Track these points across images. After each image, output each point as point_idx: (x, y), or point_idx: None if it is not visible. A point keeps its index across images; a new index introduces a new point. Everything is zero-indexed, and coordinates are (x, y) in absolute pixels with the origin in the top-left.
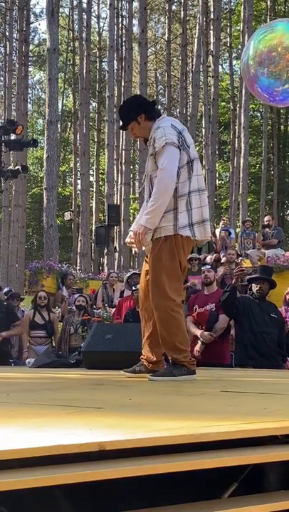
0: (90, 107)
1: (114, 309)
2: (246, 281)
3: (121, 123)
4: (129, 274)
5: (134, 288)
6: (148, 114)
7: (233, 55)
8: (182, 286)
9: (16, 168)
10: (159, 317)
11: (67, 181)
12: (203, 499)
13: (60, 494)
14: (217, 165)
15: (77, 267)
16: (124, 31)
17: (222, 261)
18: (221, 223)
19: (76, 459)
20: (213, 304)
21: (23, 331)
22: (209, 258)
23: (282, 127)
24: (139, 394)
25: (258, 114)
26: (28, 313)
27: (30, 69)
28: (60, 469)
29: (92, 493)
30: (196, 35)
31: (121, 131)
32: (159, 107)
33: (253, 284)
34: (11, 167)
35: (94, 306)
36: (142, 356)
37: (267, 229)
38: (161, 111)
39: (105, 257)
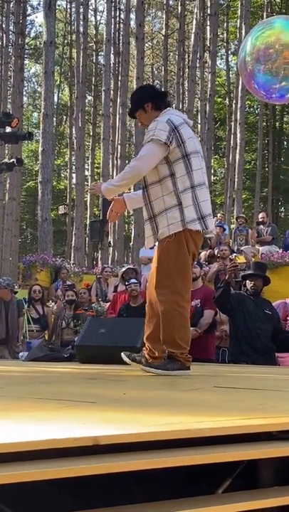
0: (86, 100)
1: (108, 304)
2: (240, 277)
3: (130, 110)
4: (124, 269)
5: (127, 283)
6: (155, 103)
7: (230, 50)
8: (191, 281)
9: (11, 161)
10: (164, 311)
11: (62, 175)
12: (197, 494)
13: (54, 489)
14: (212, 161)
15: (71, 261)
16: (121, 25)
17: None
18: (215, 219)
19: (70, 453)
20: (199, 300)
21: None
22: (203, 254)
23: (277, 124)
24: (133, 389)
25: (254, 111)
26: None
27: (26, 62)
28: (55, 463)
29: (83, 487)
30: (193, 31)
31: (117, 125)
32: None
33: (247, 281)
34: (6, 160)
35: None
36: (144, 349)
37: (261, 226)
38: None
39: (99, 251)
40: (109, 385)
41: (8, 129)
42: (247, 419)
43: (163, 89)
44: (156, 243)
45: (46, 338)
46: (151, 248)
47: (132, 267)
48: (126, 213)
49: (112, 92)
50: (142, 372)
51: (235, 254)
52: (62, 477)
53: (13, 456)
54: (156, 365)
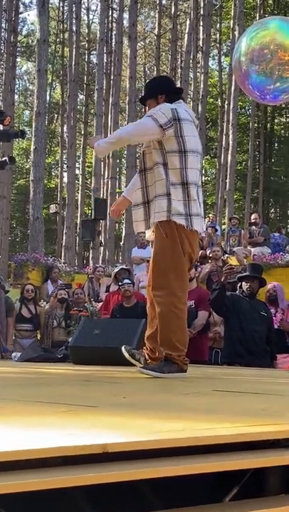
0: (78, 99)
1: (100, 304)
2: (236, 279)
3: (142, 97)
4: (117, 270)
5: (120, 283)
6: (169, 97)
7: (222, 51)
8: (188, 282)
9: (4, 159)
10: (160, 312)
11: (53, 173)
12: (204, 503)
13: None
14: (203, 161)
15: (62, 260)
16: (114, 24)
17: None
18: (207, 220)
19: (76, 461)
20: (193, 301)
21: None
22: None
23: (268, 125)
24: (132, 392)
25: (245, 112)
26: (15, 306)
27: (17, 59)
28: (61, 472)
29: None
30: (187, 31)
31: (109, 124)
32: None
33: (242, 282)
34: None
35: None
36: (144, 348)
37: (254, 227)
38: None
39: (90, 250)
40: (106, 387)
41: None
42: (253, 426)
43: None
44: (147, 234)
45: (38, 337)
46: (139, 248)
47: (125, 267)
48: None
49: (104, 91)
50: (138, 374)
51: (227, 255)
52: (71, 486)
53: (16, 464)
54: (153, 367)
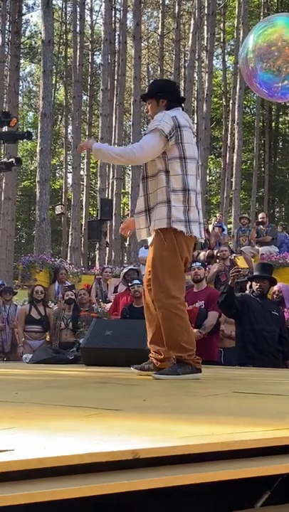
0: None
1: (108, 305)
2: (246, 279)
3: (145, 93)
4: (126, 270)
5: (130, 284)
6: (170, 102)
7: (226, 50)
8: (185, 284)
9: (10, 160)
10: (162, 316)
11: (57, 175)
12: (235, 509)
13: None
14: (208, 160)
15: (68, 261)
16: (117, 25)
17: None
18: (214, 219)
19: (104, 467)
20: (203, 301)
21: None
22: (202, 254)
23: (273, 124)
24: (151, 395)
25: (250, 111)
26: (24, 307)
27: (21, 61)
28: (91, 479)
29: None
30: (191, 30)
31: (114, 125)
32: None
33: (253, 282)
34: (5, 159)
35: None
36: (150, 354)
37: (261, 226)
38: None
39: (97, 251)
40: (124, 389)
41: (5, 128)
42: (280, 429)
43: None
44: (149, 241)
45: (47, 339)
46: (146, 248)
47: (133, 267)
48: (121, 213)
49: (108, 92)
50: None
51: (234, 254)
52: (105, 493)
53: (46, 472)
54: (167, 371)
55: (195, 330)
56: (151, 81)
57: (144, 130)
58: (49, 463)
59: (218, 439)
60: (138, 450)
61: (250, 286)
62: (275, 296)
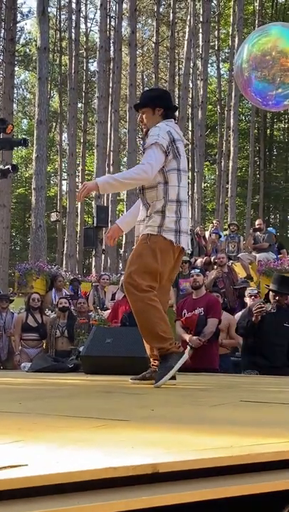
0: (77, 107)
1: (106, 312)
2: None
3: (138, 102)
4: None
5: None
6: (166, 113)
7: (221, 57)
8: (159, 287)
9: (7, 167)
10: (137, 310)
11: (52, 182)
12: None
13: None
14: (203, 167)
15: (63, 268)
16: (112, 33)
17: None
18: (210, 226)
19: (121, 482)
20: (202, 308)
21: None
22: (200, 261)
23: (268, 131)
24: (158, 404)
25: (245, 118)
26: (21, 315)
27: (15, 68)
28: (110, 495)
29: None
30: (186, 38)
31: (109, 132)
32: None
33: (270, 292)
34: (1, 166)
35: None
36: (152, 363)
37: (258, 232)
38: None
39: (93, 258)
40: (129, 399)
41: (0, 136)
42: None
43: None
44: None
45: (44, 347)
46: None
47: None
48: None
49: (104, 99)
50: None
51: (231, 261)
52: (127, 510)
53: (59, 488)
54: (159, 374)
55: (194, 337)
56: (144, 90)
57: (140, 137)
58: (66, 478)
59: (240, 452)
60: (157, 464)
61: (266, 295)
62: None
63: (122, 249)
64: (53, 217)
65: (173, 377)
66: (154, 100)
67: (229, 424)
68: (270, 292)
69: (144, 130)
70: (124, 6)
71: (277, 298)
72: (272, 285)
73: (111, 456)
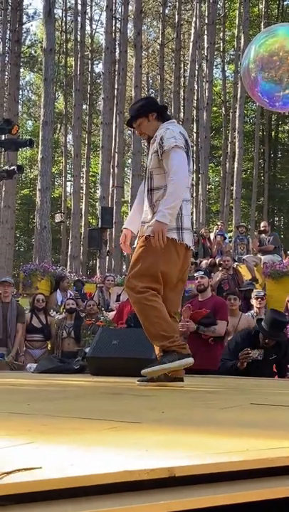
0: (82, 108)
1: (111, 313)
2: (256, 321)
3: (129, 118)
4: None
5: None
6: (159, 114)
7: (226, 59)
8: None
9: (12, 168)
10: (137, 311)
11: (57, 183)
12: None
13: None
14: (208, 169)
15: (67, 270)
16: (118, 34)
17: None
18: (215, 228)
19: (136, 486)
20: (209, 311)
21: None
22: (205, 263)
23: (273, 133)
24: (167, 406)
25: (250, 120)
26: (26, 316)
27: (21, 70)
28: (127, 499)
29: None
30: (192, 40)
31: (114, 134)
32: None
33: (259, 333)
34: (7, 167)
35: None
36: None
37: (263, 234)
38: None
39: (98, 259)
40: (138, 400)
41: (6, 136)
42: None
43: (158, 97)
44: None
45: (49, 348)
46: None
47: None
48: (121, 222)
49: (109, 100)
50: (162, 386)
51: (236, 263)
52: None
53: (74, 491)
54: (152, 364)
55: (193, 324)
56: (131, 106)
57: (144, 139)
58: (82, 482)
59: (258, 456)
60: (173, 468)
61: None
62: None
63: None
64: (58, 218)
65: (180, 379)
66: (143, 108)
67: (241, 427)
68: (260, 334)
69: (146, 138)
70: (130, 7)
71: (266, 340)
72: (264, 323)
73: (125, 459)
